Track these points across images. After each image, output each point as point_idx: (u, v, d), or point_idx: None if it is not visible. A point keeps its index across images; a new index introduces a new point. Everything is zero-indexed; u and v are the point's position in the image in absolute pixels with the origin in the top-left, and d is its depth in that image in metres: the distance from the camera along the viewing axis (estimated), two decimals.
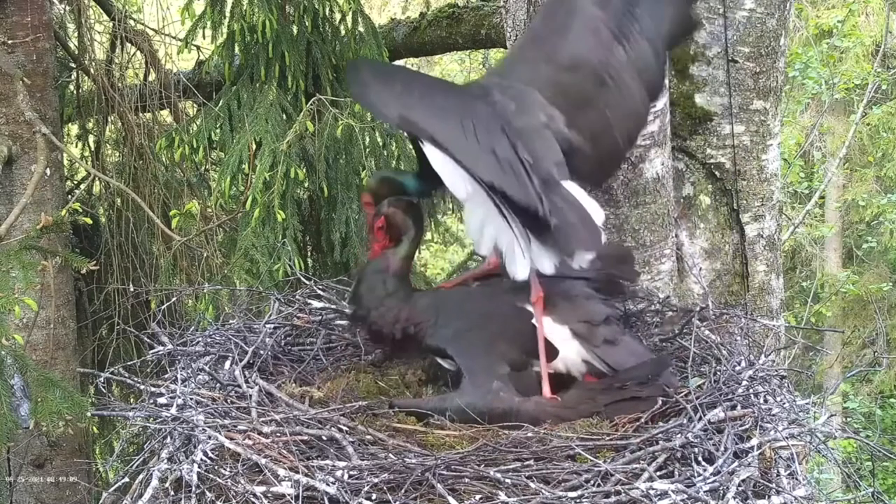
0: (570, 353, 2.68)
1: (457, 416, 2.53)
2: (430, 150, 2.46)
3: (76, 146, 5.64)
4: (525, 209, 2.43)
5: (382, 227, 2.86)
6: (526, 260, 2.55)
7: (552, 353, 2.67)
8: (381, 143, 4.45)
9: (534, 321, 2.67)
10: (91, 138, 5.57)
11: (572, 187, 2.65)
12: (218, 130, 4.52)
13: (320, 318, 3.20)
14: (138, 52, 5.48)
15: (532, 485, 2.22)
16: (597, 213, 2.66)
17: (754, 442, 2.40)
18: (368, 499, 2.21)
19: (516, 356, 2.66)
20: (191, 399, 2.62)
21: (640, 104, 2.88)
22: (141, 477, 2.57)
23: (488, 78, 2.95)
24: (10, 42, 4.64)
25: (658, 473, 2.29)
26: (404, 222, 2.85)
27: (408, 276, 2.87)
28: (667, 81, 3.22)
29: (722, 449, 2.34)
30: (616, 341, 2.70)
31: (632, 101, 2.85)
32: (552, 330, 2.68)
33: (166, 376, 2.84)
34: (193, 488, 2.32)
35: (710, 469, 2.29)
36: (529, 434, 2.44)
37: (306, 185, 4.43)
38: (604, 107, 2.80)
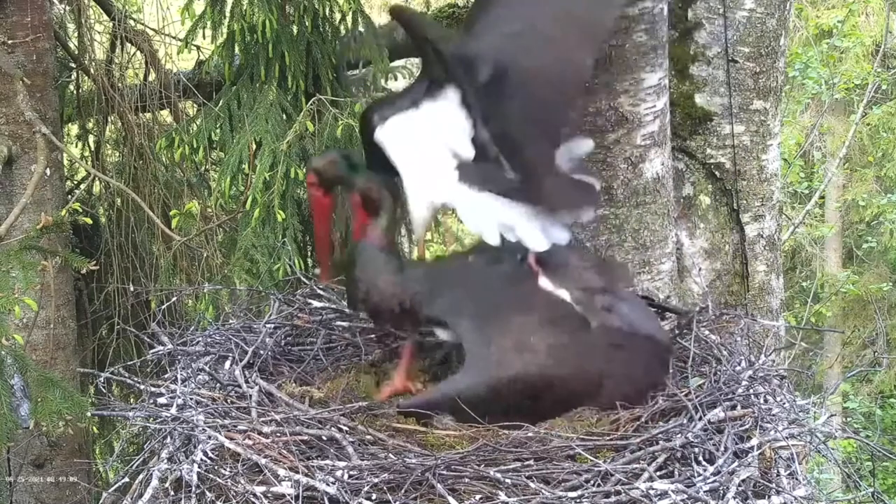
0: None
1: (467, 399, 2.50)
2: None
3: (76, 146, 5.63)
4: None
5: (359, 203, 2.84)
6: (539, 230, 2.61)
7: None
8: None
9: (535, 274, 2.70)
10: (91, 138, 5.55)
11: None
12: (218, 130, 4.51)
13: (320, 318, 3.20)
14: (138, 52, 5.46)
15: (532, 485, 2.22)
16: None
17: (754, 442, 2.40)
18: (368, 499, 2.21)
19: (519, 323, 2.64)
20: (191, 399, 2.62)
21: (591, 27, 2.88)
22: (141, 477, 2.58)
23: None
24: (10, 42, 4.63)
25: (658, 473, 2.29)
26: (379, 194, 2.81)
27: (394, 248, 2.83)
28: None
29: (722, 449, 2.35)
30: (613, 309, 2.72)
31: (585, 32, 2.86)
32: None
33: (166, 376, 2.84)
34: (193, 488, 2.33)
35: (711, 469, 2.29)
36: (529, 434, 2.44)
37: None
38: (555, 54, 2.81)
